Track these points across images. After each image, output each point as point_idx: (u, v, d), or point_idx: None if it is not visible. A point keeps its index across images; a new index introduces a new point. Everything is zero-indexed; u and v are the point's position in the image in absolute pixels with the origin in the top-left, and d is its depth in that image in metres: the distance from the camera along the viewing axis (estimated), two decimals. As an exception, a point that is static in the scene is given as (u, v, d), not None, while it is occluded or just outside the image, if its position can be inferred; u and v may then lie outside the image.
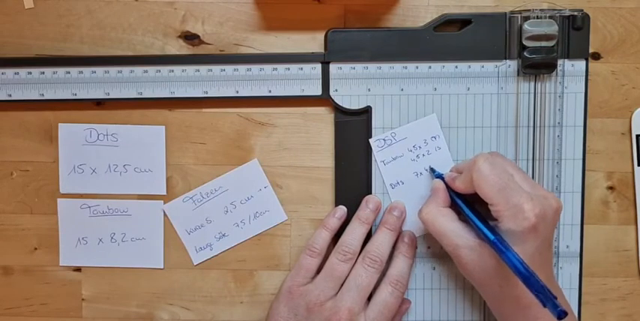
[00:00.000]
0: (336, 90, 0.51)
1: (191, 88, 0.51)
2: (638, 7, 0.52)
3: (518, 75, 0.51)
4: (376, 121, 0.52)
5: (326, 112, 0.53)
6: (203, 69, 0.51)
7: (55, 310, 0.54)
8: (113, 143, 0.53)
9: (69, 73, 0.51)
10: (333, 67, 0.51)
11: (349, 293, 0.49)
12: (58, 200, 0.53)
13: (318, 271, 0.51)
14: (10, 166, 0.53)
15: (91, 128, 0.53)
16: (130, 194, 0.53)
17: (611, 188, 0.53)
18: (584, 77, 0.51)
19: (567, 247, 0.52)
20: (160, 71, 0.51)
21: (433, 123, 0.52)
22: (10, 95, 0.51)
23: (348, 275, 0.50)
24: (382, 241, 0.50)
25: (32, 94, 0.51)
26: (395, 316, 0.50)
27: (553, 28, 0.50)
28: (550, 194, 0.47)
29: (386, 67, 0.51)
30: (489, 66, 0.51)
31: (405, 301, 0.52)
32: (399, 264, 0.51)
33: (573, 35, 0.51)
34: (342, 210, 0.52)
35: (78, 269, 0.54)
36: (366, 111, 0.52)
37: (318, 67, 0.51)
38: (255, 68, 0.51)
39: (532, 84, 0.52)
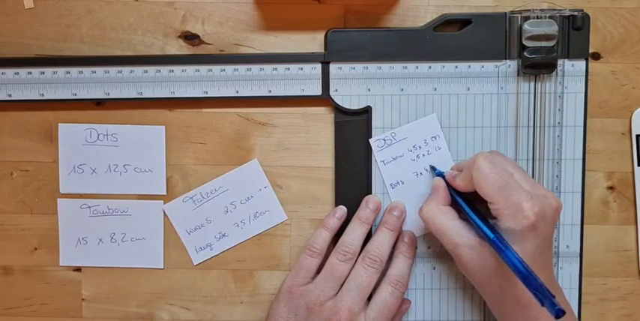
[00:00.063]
0: (336, 90, 0.51)
1: (191, 88, 0.51)
2: (638, 7, 0.52)
3: (518, 75, 0.51)
4: (376, 121, 0.52)
5: (326, 112, 0.53)
6: (203, 69, 0.51)
7: (55, 310, 0.54)
8: (113, 143, 0.53)
9: (69, 73, 0.51)
10: (333, 67, 0.51)
11: (349, 293, 0.49)
12: (58, 200, 0.53)
13: (318, 271, 0.51)
14: (10, 166, 0.53)
15: (91, 128, 0.53)
16: (130, 194, 0.53)
17: (611, 188, 0.53)
18: (584, 77, 0.51)
19: (567, 247, 0.52)
20: (159, 71, 0.51)
21: (433, 123, 0.52)
22: (10, 95, 0.51)
23: (348, 275, 0.50)
24: (382, 241, 0.50)
25: (32, 94, 0.51)
26: (395, 316, 0.50)
27: (553, 28, 0.50)
28: (550, 193, 0.47)
29: (386, 67, 0.51)
30: (489, 66, 0.51)
31: (405, 301, 0.52)
32: (399, 264, 0.51)
33: (573, 35, 0.51)
34: (342, 210, 0.52)
35: (78, 269, 0.54)
36: (366, 111, 0.52)
37: (318, 67, 0.51)
38: (255, 68, 0.51)
39: (532, 84, 0.52)
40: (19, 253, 0.54)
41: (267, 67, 0.51)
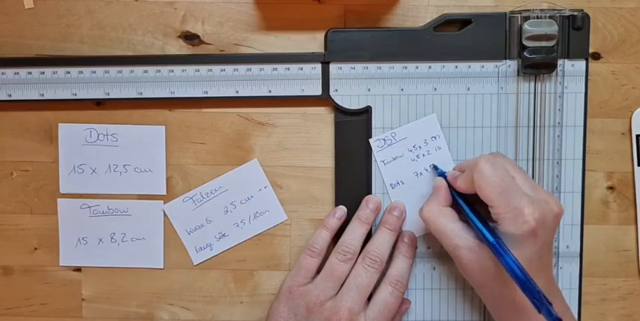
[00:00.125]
0: (336, 90, 0.51)
1: (191, 88, 0.51)
2: (638, 7, 0.52)
3: (518, 75, 0.51)
4: (376, 121, 0.52)
5: (326, 112, 0.53)
6: (203, 69, 0.51)
7: (55, 310, 0.54)
8: (113, 143, 0.53)
9: (69, 73, 0.51)
10: (333, 67, 0.51)
11: (349, 293, 0.49)
12: (58, 200, 0.53)
13: (318, 271, 0.51)
14: (10, 166, 0.53)
15: (91, 128, 0.53)
16: (130, 194, 0.53)
17: (611, 188, 0.53)
18: (584, 77, 0.51)
19: (567, 247, 0.52)
20: (159, 71, 0.51)
21: (433, 123, 0.52)
22: (10, 95, 0.51)
23: (348, 275, 0.50)
24: (382, 241, 0.50)
25: (32, 94, 0.51)
26: (395, 316, 0.50)
27: (553, 28, 0.50)
28: (551, 198, 0.46)
29: (386, 67, 0.51)
30: (489, 66, 0.51)
31: (405, 301, 0.52)
32: (399, 264, 0.51)
33: (573, 35, 0.51)
34: (342, 210, 0.52)
35: (78, 269, 0.54)
36: (366, 111, 0.52)
37: (318, 67, 0.51)
38: (255, 68, 0.51)
39: (532, 84, 0.52)
40: (19, 253, 0.54)
41: (267, 67, 0.51)
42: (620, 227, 0.53)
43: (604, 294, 0.54)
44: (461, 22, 0.51)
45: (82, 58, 0.52)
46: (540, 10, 0.50)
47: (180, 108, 0.53)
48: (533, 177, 0.52)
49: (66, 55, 0.52)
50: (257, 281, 0.54)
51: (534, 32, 0.50)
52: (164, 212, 0.53)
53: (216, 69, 0.51)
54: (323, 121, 0.53)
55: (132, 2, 0.52)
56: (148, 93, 0.51)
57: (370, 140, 0.52)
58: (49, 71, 0.51)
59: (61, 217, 0.53)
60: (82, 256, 0.53)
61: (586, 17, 0.51)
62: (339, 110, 0.52)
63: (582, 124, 0.52)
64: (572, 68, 0.51)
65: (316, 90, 0.51)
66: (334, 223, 0.51)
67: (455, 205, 0.49)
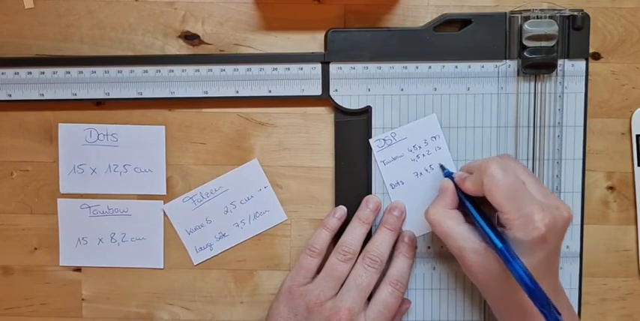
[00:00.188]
0: (336, 90, 0.51)
1: (191, 88, 0.51)
2: (638, 7, 0.52)
3: (518, 75, 0.51)
4: (376, 121, 0.52)
5: (326, 112, 0.53)
6: (203, 69, 0.51)
7: (55, 310, 0.54)
8: (113, 143, 0.53)
9: (69, 73, 0.51)
10: (333, 67, 0.51)
11: (349, 293, 0.49)
12: (58, 200, 0.53)
13: (318, 271, 0.51)
14: (10, 166, 0.53)
15: (91, 128, 0.53)
16: (130, 194, 0.53)
17: (611, 188, 0.53)
18: (584, 77, 0.51)
19: (567, 247, 0.52)
20: (159, 71, 0.51)
21: (433, 123, 0.52)
22: (10, 95, 0.51)
23: (348, 275, 0.50)
24: (382, 241, 0.50)
25: (32, 94, 0.51)
26: (395, 316, 0.50)
27: (553, 28, 0.50)
28: (562, 203, 0.46)
29: (386, 67, 0.51)
30: (489, 66, 0.51)
31: (405, 301, 0.52)
32: (399, 264, 0.51)
33: (573, 35, 0.51)
34: (342, 210, 0.52)
35: (78, 269, 0.54)
36: (366, 111, 0.52)
37: (318, 67, 0.51)
38: (255, 68, 0.51)
39: (532, 84, 0.52)
40: (19, 253, 0.54)
41: (267, 67, 0.51)
42: (620, 227, 0.53)
43: (604, 294, 0.54)
44: (461, 22, 0.51)
45: (82, 58, 0.52)
46: (540, 10, 0.50)
47: (180, 108, 0.53)
48: (533, 177, 0.52)
49: (66, 55, 0.52)
50: (257, 281, 0.54)
51: (534, 32, 0.50)
52: (164, 212, 0.53)
53: (216, 69, 0.51)
54: (323, 121, 0.53)
55: (132, 2, 0.52)
56: (148, 93, 0.51)
57: (370, 140, 0.52)
58: (49, 71, 0.51)
59: (61, 217, 0.53)
60: (82, 256, 0.53)
61: (586, 17, 0.51)
62: (339, 110, 0.52)
63: (582, 124, 0.52)
64: (572, 68, 0.51)
65: (316, 90, 0.51)
66: (334, 223, 0.51)
67: (460, 207, 0.49)
